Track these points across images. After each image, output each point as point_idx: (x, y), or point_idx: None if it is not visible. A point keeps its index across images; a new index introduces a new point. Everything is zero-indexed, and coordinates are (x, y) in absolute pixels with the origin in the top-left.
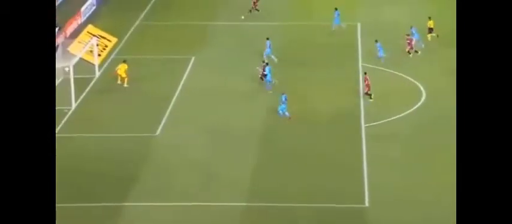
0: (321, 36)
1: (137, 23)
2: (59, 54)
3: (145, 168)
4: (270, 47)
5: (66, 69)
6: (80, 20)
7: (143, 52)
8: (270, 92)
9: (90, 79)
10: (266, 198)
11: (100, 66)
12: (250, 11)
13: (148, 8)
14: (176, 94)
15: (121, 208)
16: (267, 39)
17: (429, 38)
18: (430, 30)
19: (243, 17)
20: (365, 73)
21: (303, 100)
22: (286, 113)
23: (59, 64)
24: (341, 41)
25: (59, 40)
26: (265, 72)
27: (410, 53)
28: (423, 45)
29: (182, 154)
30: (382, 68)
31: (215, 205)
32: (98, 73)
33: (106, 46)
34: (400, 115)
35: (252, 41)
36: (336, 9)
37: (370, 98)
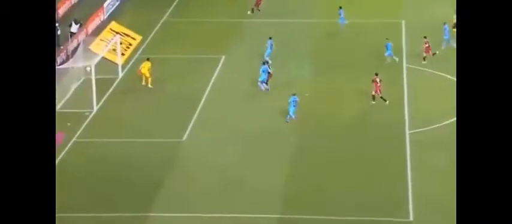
0: (362, 34)
1: (163, 19)
2: (79, 52)
3: (170, 175)
4: (271, 47)
5: (88, 69)
6: (103, 16)
7: (170, 51)
8: (264, 90)
9: (113, 80)
10: (300, 210)
11: (123, 66)
12: (253, 10)
13: (175, 3)
14: (204, 96)
15: (144, 218)
16: (270, 38)
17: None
18: (455, 25)
19: (249, 13)
20: (376, 75)
21: (341, 104)
22: (293, 116)
23: (80, 64)
24: (383, 40)
25: (80, 38)
26: (262, 78)
27: (425, 60)
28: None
29: (210, 162)
30: (429, 69)
31: (246, 216)
32: (121, 74)
33: (130, 44)
34: (449, 121)
35: (287, 40)
36: (340, 7)
37: (372, 101)
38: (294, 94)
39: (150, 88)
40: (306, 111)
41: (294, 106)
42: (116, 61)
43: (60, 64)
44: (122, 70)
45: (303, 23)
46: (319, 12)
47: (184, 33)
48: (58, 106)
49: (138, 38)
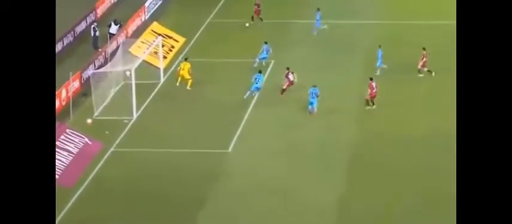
0: (427, 36)
1: (208, 20)
2: (119, 55)
3: (215, 190)
4: (267, 52)
5: (127, 73)
6: (144, 16)
7: (215, 54)
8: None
9: (154, 85)
10: None
11: (165, 70)
12: (252, 18)
13: (221, 3)
14: (252, 103)
15: None
16: (265, 43)
17: None
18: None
19: (247, 25)
20: (371, 79)
21: (400, 111)
22: (312, 108)
23: (119, 68)
24: (445, 41)
25: (119, 39)
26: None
27: (420, 72)
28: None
29: (259, 175)
30: None
31: None
32: (162, 79)
33: (172, 47)
34: None
35: (342, 43)
36: (318, 9)
37: (371, 105)
38: (314, 86)
39: (188, 90)
40: (365, 119)
41: (313, 98)
42: (158, 65)
43: (98, 68)
44: (164, 75)
45: (361, 24)
46: (376, 13)
47: (231, 35)
48: (96, 113)
49: (181, 40)
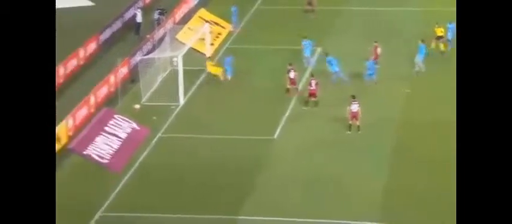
0: None
1: (255, 7)
2: (166, 42)
3: (260, 177)
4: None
5: (175, 59)
6: (191, 3)
7: (261, 41)
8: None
9: (201, 71)
10: (404, 219)
11: (212, 56)
12: (306, 11)
13: None
14: (298, 90)
15: (233, 222)
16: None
17: (433, 45)
18: (439, 38)
19: (312, 17)
20: (312, 76)
21: (446, 100)
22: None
23: (166, 54)
24: None
25: (167, 26)
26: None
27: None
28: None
29: (305, 162)
30: None
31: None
32: None
33: (219, 34)
34: None
35: (389, 29)
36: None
37: (313, 104)
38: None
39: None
40: (411, 108)
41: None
42: (205, 52)
43: (146, 55)
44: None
45: (413, 12)
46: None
47: (278, 22)
48: (143, 99)
49: (228, 26)
